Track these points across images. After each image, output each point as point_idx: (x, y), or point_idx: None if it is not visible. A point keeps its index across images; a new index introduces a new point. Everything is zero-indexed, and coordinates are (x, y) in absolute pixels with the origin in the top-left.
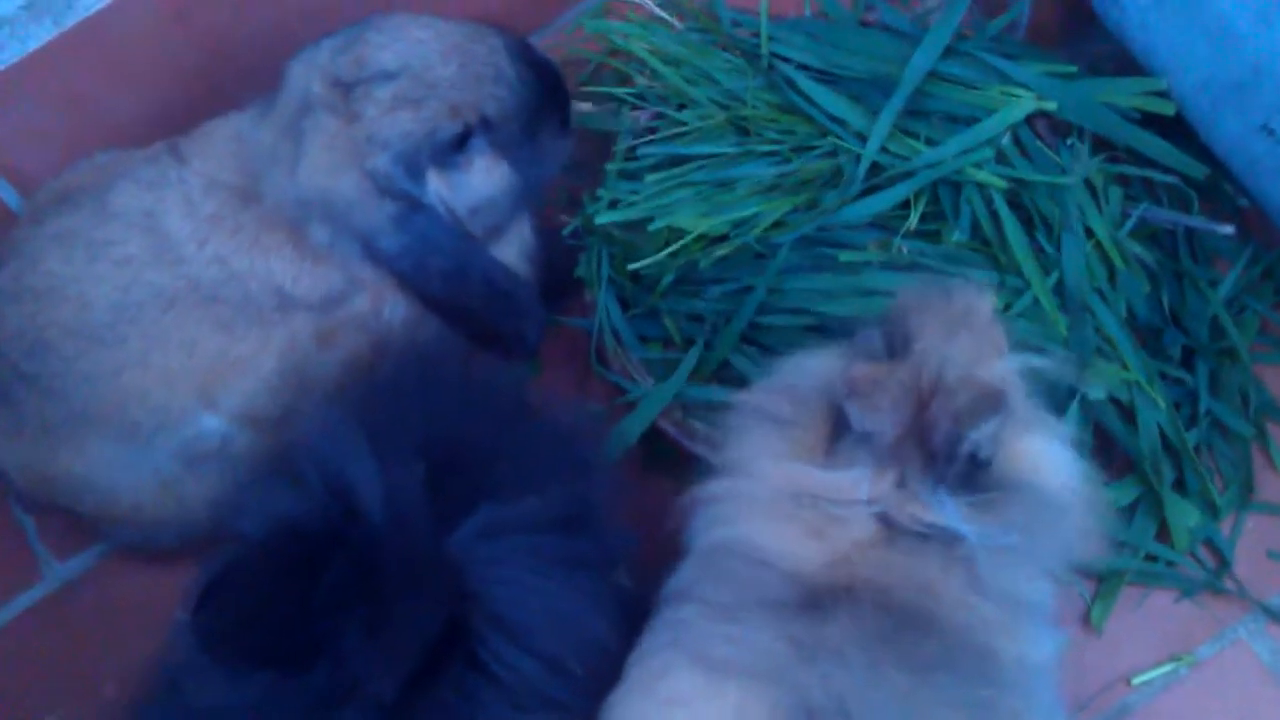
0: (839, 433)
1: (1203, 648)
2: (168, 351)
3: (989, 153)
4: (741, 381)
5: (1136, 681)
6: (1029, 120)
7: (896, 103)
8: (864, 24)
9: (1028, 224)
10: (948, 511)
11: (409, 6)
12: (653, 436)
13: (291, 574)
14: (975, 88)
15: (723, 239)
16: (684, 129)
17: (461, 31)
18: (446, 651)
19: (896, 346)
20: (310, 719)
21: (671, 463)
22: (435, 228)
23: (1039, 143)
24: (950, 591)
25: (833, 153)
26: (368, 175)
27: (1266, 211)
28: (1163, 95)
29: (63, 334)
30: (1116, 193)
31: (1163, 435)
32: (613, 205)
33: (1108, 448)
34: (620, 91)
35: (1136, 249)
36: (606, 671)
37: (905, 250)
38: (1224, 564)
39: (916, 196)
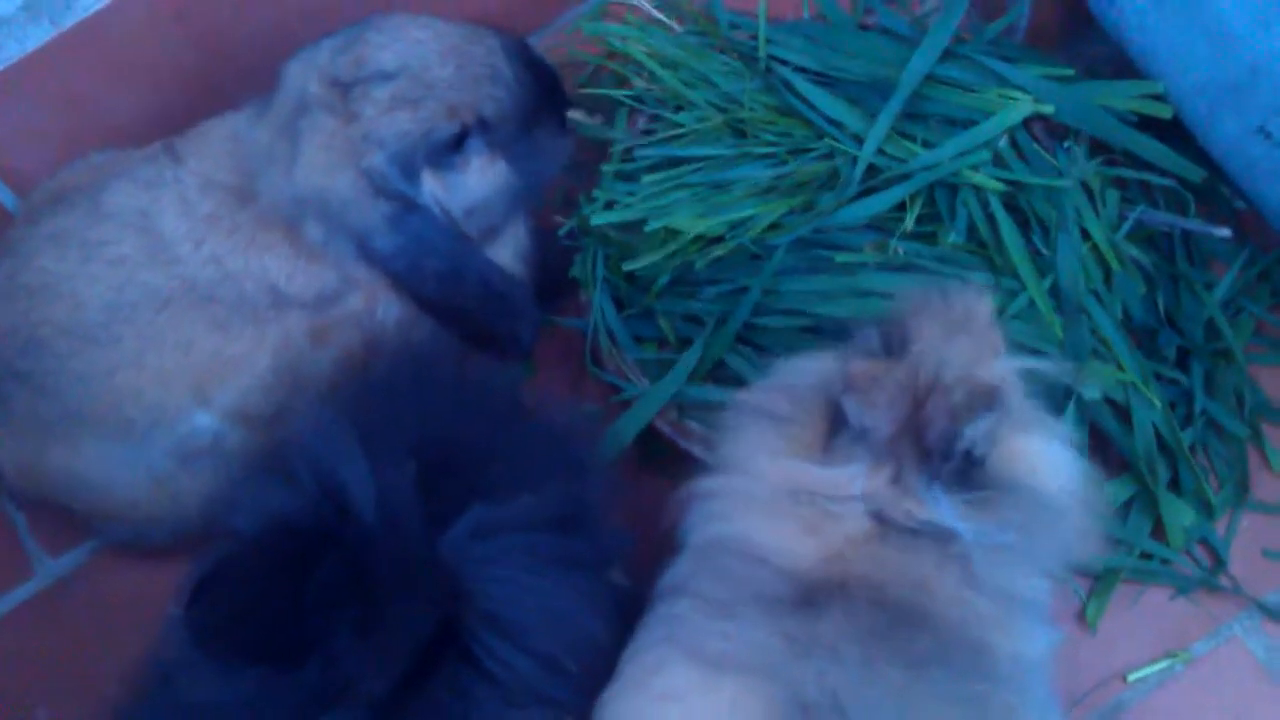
0: (836, 430)
1: (1198, 645)
2: (162, 351)
3: (986, 155)
4: (737, 382)
5: (1132, 678)
6: (1026, 123)
7: (894, 105)
8: (862, 27)
9: (1024, 226)
10: (942, 509)
11: (408, 7)
12: (648, 436)
13: (284, 571)
14: (973, 91)
15: (719, 240)
16: (681, 131)
17: (460, 32)
18: (440, 650)
19: (895, 346)
20: (302, 716)
21: (667, 462)
22: (430, 228)
23: (1036, 145)
24: (945, 588)
25: (829, 155)
26: (363, 175)
27: (1263, 214)
28: (1159, 98)
29: (56, 332)
30: (1113, 195)
31: (1158, 435)
32: (609, 206)
33: (1103, 447)
34: (618, 94)
35: (1133, 251)
36: (601, 669)
37: (901, 252)
38: (1219, 562)
39: (913, 199)
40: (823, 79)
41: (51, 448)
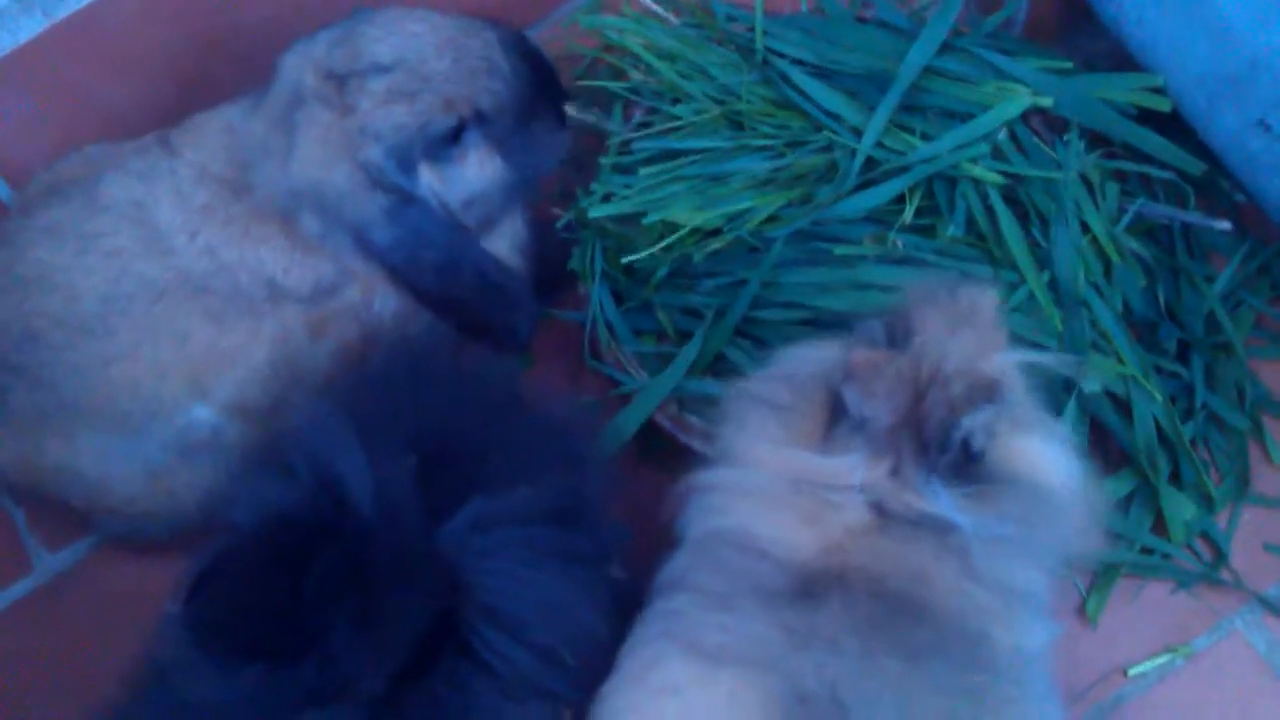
0: (836, 419)
1: (1199, 639)
2: (158, 343)
3: (985, 148)
4: (736, 375)
5: (1132, 673)
6: (1025, 116)
7: (892, 98)
8: (860, 19)
9: (1023, 219)
10: (941, 501)
11: (404, 0)
12: (647, 430)
13: (281, 564)
14: (971, 83)
15: (716, 233)
16: (678, 123)
17: (456, 25)
18: (438, 643)
19: (898, 338)
20: (300, 711)
21: (666, 456)
22: (427, 221)
23: (1035, 138)
24: (943, 579)
25: (828, 147)
26: (360, 167)
27: (1263, 207)
28: (1159, 91)
29: (52, 324)
30: (1113, 188)
31: (1159, 428)
32: (606, 199)
33: (1104, 441)
34: (615, 86)
35: (1133, 244)
36: (599, 663)
37: (900, 245)
38: (1220, 556)
39: (912, 191)
40: (820, 72)
41: (48, 441)
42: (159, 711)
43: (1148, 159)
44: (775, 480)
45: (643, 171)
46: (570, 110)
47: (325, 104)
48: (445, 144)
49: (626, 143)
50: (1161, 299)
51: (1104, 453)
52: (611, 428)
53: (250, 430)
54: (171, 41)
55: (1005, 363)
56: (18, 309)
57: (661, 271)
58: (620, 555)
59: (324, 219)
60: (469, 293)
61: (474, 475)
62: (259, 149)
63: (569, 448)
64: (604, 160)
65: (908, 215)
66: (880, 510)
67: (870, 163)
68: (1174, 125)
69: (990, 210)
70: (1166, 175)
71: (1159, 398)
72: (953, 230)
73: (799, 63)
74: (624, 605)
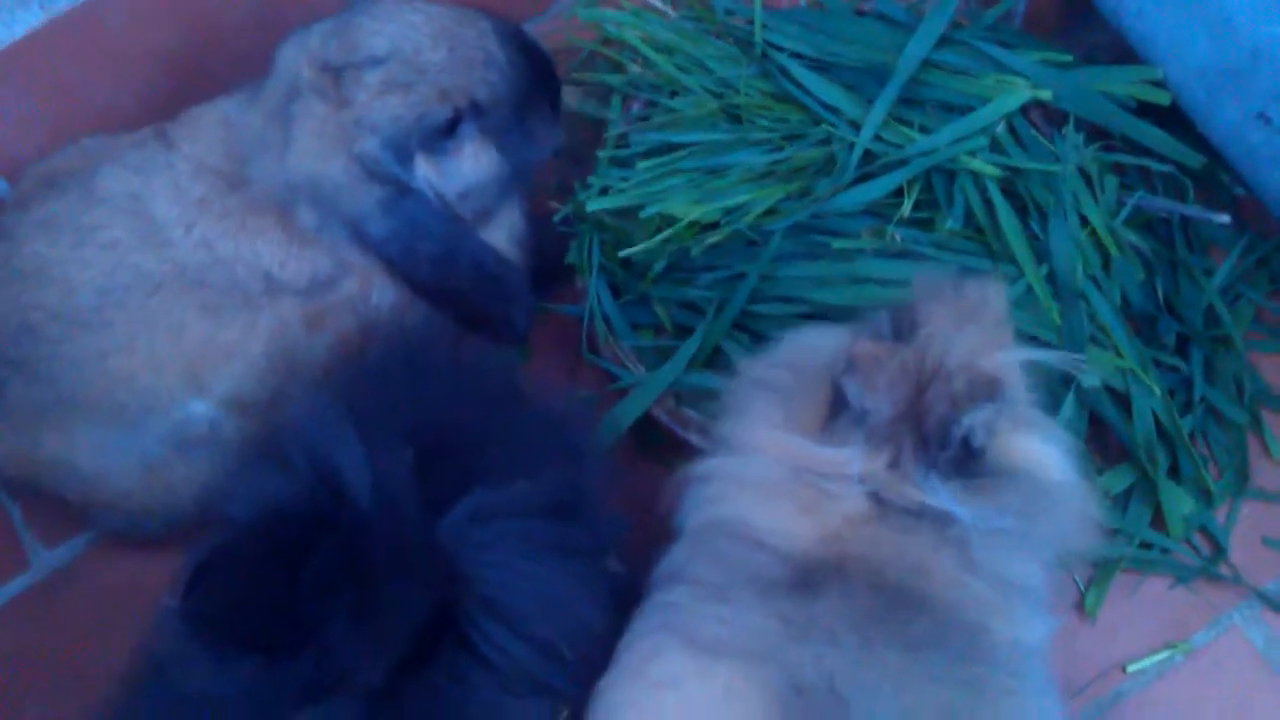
0: (837, 409)
1: (1198, 635)
2: (154, 336)
3: (983, 141)
4: (734, 369)
5: (1131, 669)
6: (1024, 109)
7: (891, 91)
8: (858, 12)
9: (1022, 213)
10: (940, 496)
11: None
12: (645, 424)
13: (279, 557)
14: (970, 76)
15: (714, 226)
16: (676, 116)
17: (451, 15)
18: (436, 635)
19: (903, 330)
20: (298, 704)
21: (663, 450)
22: (424, 212)
23: (1034, 131)
24: (942, 570)
25: (826, 141)
26: (356, 160)
27: (1262, 200)
28: (1158, 84)
29: (48, 318)
30: (1112, 181)
31: (1157, 422)
32: (604, 192)
33: (1103, 435)
34: (613, 79)
35: (1131, 237)
36: (597, 657)
37: (899, 238)
38: (1219, 551)
39: (910, 184)
40: (819, 64)
41: (45, 435)
42: (157, 705)
43: (1147, 152)
44: (774, 468)
45: (640, 165)
46: (570, 102)
47: (321, 96)
48: (441, 136)
49: (624, 136)
50: (1160, 292)
51: (1103, 447)
52: (609, 421)
53: (247, 424)
54: (168, 34)
55: (1008, 360)
56: (15, 303)
57: (659, 265)
58: (618, 549)
59: (320, 212)
60: (466, 284)
61: (472, 467)
62: (256, 142)
63: (567, 441)
64: (602, 154)
65: (906, 208)
66: (879, 500)
67: (868, 156)
68: (1173, 118)
69: (989, 203)
70: (1165, 168)
71: (1158, 392)
72: (951, 224)
73: (797, 56)
74: (622, 599)
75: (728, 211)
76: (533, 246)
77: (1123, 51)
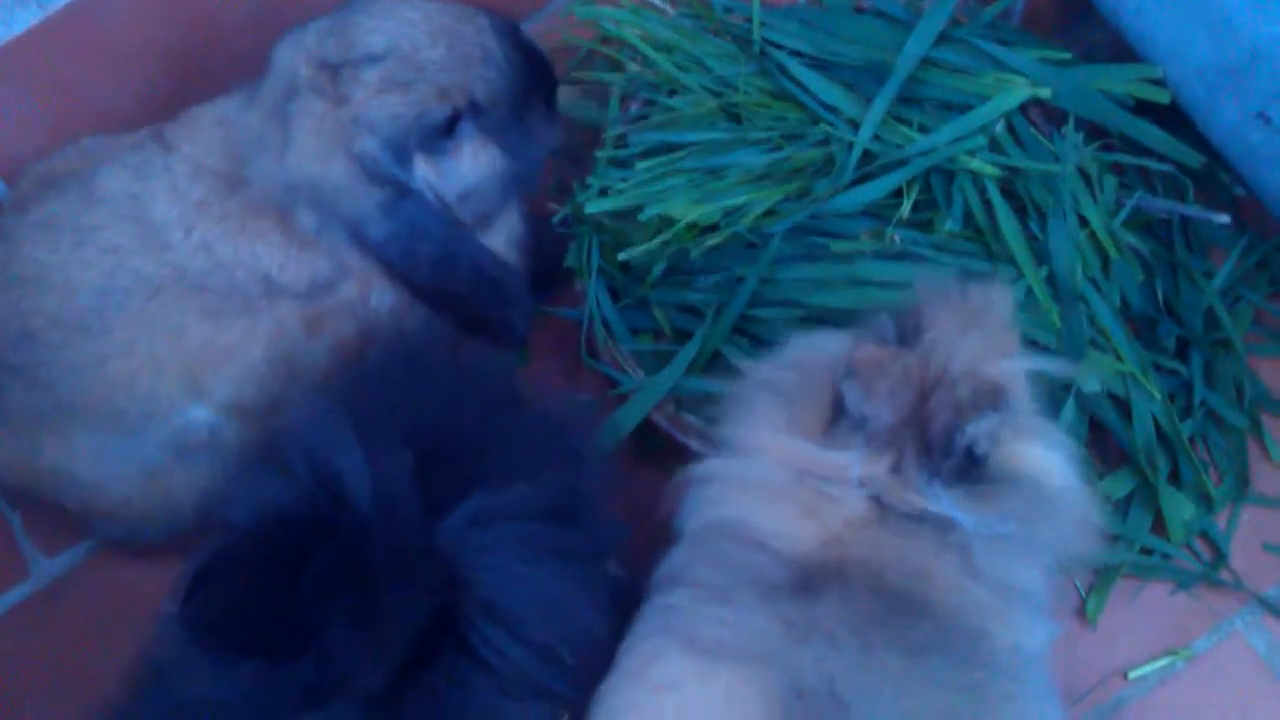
0: (839, 413)
1: (1199, 641)
2: (154, 340)
3: (982, 140)
4: (733, 374)
5: (1132, 675)
6: (1023, 108)
7: (890, 90)
8: (857, 10)
9: (1021, 213)
10: (942, 502)
11: None
12: (645, 428)
13: (279, 562)
14: (969, 74)
15: (714, 228)
16: (675, 116)
17: (450, 12)
18: (437, 639)
19: (908, 334)
20: (298, 709)
21: (663, 455)
22: (423, 214)
23: (1033, 130)
24: (943, 575)
25: (825, 140)
26: (355, 160)
27: (1262, 200)
28: (1158, 83)
29: (48, 323)
30: (1111, 181)
31: (1157, 427)
32: (603, 193)
33: (1102, 440)
34: (611, 78)
35: (1131, 238)
36: (598, 660)
37: (898, 239)
38: (1220, 556)
39: (909, 185)
40: (818, 63)
41: (45, 442)
42: (158, 711)
43: (1146, 152)
44: (775, 470)
45: (639, 165)
46: (570, 100)
47: (319, 94)
48: (440, 135)
49: (622, 136)
50: (1160, 294)
51: (1103, 452)
52: (609, 426)
53: (247, 430)
54: (166, 33)
55: (1013, 370)
56: (14, 308)
57: (658, 268)
58: (618, 553)
59: (320, 214)
60: (465, 287)
61: (472, 471)
62: (254, 142)
63: (567, 445)
64: (600, 154)
65: (905, 209)
66: (880, 504)
67: (867, 156)
68: (1173, 117)
69: (988, 204)
70: (1165, 168)
71: (1158, 396)
72: (950, 224)
73: (796, 54)
74: (622, 603)
75: (727, 213)
76: (532, 249)
77: (1121, 50)
